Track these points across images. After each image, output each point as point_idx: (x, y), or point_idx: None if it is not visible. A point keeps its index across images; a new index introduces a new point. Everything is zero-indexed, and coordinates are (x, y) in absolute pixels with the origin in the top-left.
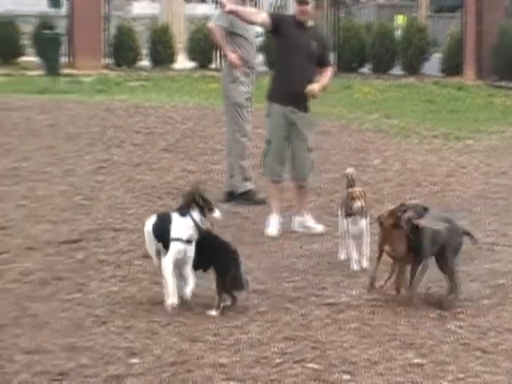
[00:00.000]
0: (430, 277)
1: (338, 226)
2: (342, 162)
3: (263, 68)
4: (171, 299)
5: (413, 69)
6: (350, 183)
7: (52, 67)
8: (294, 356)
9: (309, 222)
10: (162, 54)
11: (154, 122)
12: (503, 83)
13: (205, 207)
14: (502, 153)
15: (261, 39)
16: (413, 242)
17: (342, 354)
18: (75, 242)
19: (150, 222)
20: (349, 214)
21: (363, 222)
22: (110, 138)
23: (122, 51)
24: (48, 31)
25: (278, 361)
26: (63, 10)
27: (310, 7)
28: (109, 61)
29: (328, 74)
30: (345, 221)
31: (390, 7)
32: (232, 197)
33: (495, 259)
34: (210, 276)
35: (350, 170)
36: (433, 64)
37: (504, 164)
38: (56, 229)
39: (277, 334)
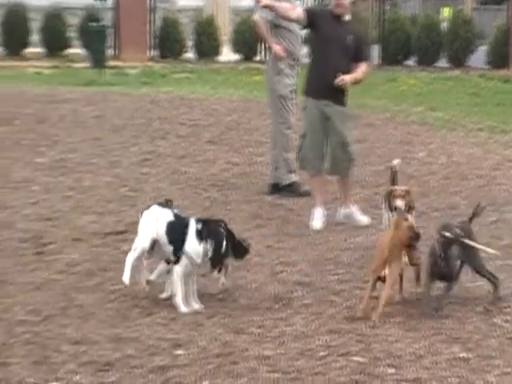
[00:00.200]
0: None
1: (382, 219)
2: (386, 155)
3: (308, 60)
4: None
5: (458, 61)
6: (393, 176)
7: (98, 59)
8: (339, 349)
9: (355, 213)
10: (207, 46)
11: (199, 114)
12: None
13: None
14: None
15: (306, 31)
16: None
17: (386, 347)
18: (121, 233)
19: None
20: (392, 208)
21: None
22: (155, 130)
23: (168, 43)
24: (94, 23)
25: (322, 353)
26: (109, 3)
27: (346, 1)
28: (154, 53)
29: (362, 68)
30: (388, 215)
31: None
32: (276, 189)
33: None
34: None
35: (395, 162)
36: (479, 56)
37: None
38: (102, 220)
39: (321, 326)
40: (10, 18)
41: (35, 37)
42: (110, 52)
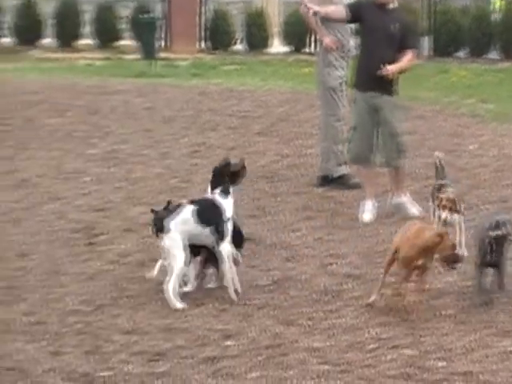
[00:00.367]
0: None
1: (430, 214)
2: (437, 147)
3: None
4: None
5: (510, 53)
6: (439, 170)
7: (148, 51)
8: (389, 342)
9: (407, 203)
10: (257, 38)
11: (249, 106)
12: None
13: None
14: None
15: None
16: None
17: (437, 340)
18: None
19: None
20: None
21: (455, 216)
22: (205, 122)
23: (218, 35)
24: (145, 15)
25: (372, 346)
26: None
27: None
28: (204, 45)
29: (408, 56)
30: (435, 211)
31: None
32: (326, 181)
33: None
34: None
35: (438, 154)
36: None
37: None
38: None
39: (371, 319)
40: (62, 10)
41: (87, 28)
42: (160, 44)
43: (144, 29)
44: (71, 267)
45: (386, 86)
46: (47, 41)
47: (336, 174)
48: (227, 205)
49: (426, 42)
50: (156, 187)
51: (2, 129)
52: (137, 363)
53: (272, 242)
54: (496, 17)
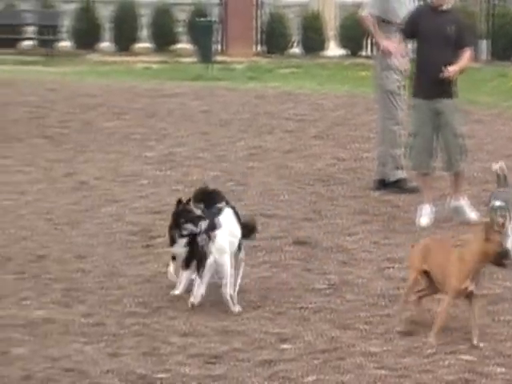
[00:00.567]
0: None
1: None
2: (495, 151)
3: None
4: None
5: None
6: (501, 179)
7: (205, 54)
8: (447, 347)
9: (465, 207)
10: (313, 41)
11: (305, 109)
12: None
13: None
14: None
15: None
16: None
17: (495, 346)
18: None
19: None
20: None
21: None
22: (262, 125)
23: (274, 38)
24: (202, 19)
25: (430, 351)
26: None
27: None
28: (260, 48)
29: (466, 55)
30: None
31: None
32: (382, 185)
33: None
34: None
35: (498, 166)
36: None
37: None
38: None
39: (429, 324)
40: (120, 14)
41: (144, 32)
42: (217, 47)
43: (201, 32)
44: (129, 269)
45: (446, 88)
46: (105, 44)
47: (393, 178)
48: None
49: (483, 46)
50: None
51: (61, 132)
52: (193, 365)
53: (328, 246)
54: None
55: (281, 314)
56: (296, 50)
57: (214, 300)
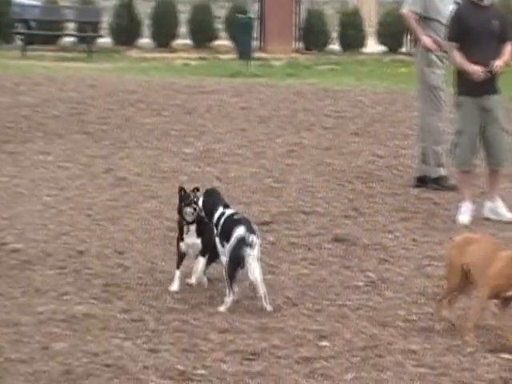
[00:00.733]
0: None
1: None
2: None
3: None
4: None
5: None
6: None
7: (244, 51)
8: (487, 345)
9: (500, 208)
10: (352, 38)
11: (344, 106)
12: None
13: None
14: None
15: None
16: None
17: None
18: (266, 223)
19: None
20: None
21: None
22: (300, 122)
23: (312, 35)
24: (241, 15)
25: (470, 349)
26: None
27: None
28: (299, 44)
29: (508, 49)
30: None
31: None
32: (422, 182)
33: None
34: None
35: None
36: None
37: None
38: (248, 210)
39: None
40: (159, 11)
41: (183, 29)
42: (255, 44)
43: (240, 29)
44: (168, 265)
45: (494, 85)
46: (144, 41)
47: (434, 175)
48: None
49: None
50: (250, 187)
51: (101, 128)
52: (232, 362)
53: (367, 243)
54: None
55: (319, 311)
56: (335, 46)
57: (253, 297)
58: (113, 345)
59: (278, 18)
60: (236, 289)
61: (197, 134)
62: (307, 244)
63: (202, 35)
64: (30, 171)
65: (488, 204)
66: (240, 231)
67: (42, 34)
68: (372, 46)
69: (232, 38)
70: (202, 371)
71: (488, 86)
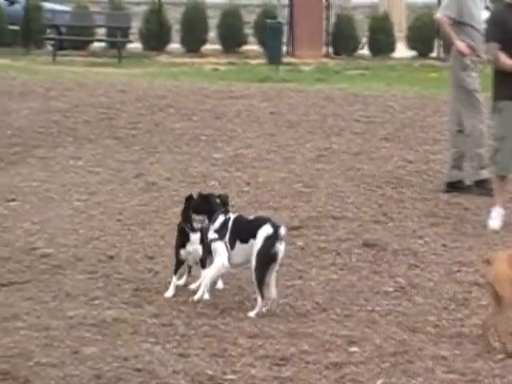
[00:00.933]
0: None
1: None
2: None
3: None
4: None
5: None
6: None
7: (273, 56)
8: None
9: None
10: (382, 43)
11: (374, 111)
12: None
13: None
14: None
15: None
16: None
17: None
18: (296, 228)
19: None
20: None
21: None
22: (330, 127)
23: (342, 40)
24: (270, 20)
25: (500, 356)
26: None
27: None
28: (328, 49)
29: None
30: None
31: None
32: (453, 187)
33: None
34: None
35: None
36: None
37: None
38: (277, 215)
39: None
40: (188, 16)
41: (213, 34)
42: (284, 49)
43: (270, 34)
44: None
45: None
46: (174, 46)
47: (477, 178)
48: None
49: None
50: (280, 192)
51: (131, 133)
52: (261, 367)
53: (397, 248)
54: None
55: (349, 317)
56: (364, 51)
57: (282, 302)
58: (143, 349)
59: (308, 23)
60: (266, 294)
61: (226, 139)
62: (336, 249)
63: (232, 40)
64: (61, 176)
65: None
66: (267, 229)
67: (73, 39)
68: (402, 50)
69: (261, 43)
70: (232, 376)
71: None
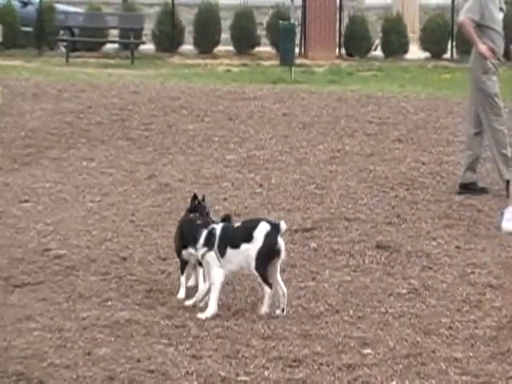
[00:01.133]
0: None
1: None
2: None
3: None
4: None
5: None
6: None
7: (286, 57)
8: None
9: None
10: (395, 44)
11: (387, 112)
12: None
13: None
14: None
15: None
16: None
17: None
18: (309, 230)
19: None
20: None
21: None
22: (343, 128)
23: (355, 41)
24: (283, 22)
25: None
26: (298, 1)
27: None
28: (341, 51)
29: None
30: None
31: None
32: (466, 189)
33: None
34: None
35: None
36: None
37: None
38: (290, 217)
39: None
40: (201, 17)
41: (225, 35)
42: (297, 50)
43: (283, 35)
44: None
45: None
46: (187, 47)
47: (507, 177)
48: None
49: None
50: (292, 193)
51: (144, 134)
52: (274, 369)
53: (410, 250)
54: None
55: (362, 319)
56: (377, 52)
57: (295, 304)
58: (156, 351)
59: (321, 25)
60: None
61: (239, 141)
62: (349, 251)
63: (244, 42)
64: (74, 177)
65: None
66: (265, 227)
67: (86, 40)
68: (415, 52)
69: (274, 44)
70: (244, 378)
71: None
